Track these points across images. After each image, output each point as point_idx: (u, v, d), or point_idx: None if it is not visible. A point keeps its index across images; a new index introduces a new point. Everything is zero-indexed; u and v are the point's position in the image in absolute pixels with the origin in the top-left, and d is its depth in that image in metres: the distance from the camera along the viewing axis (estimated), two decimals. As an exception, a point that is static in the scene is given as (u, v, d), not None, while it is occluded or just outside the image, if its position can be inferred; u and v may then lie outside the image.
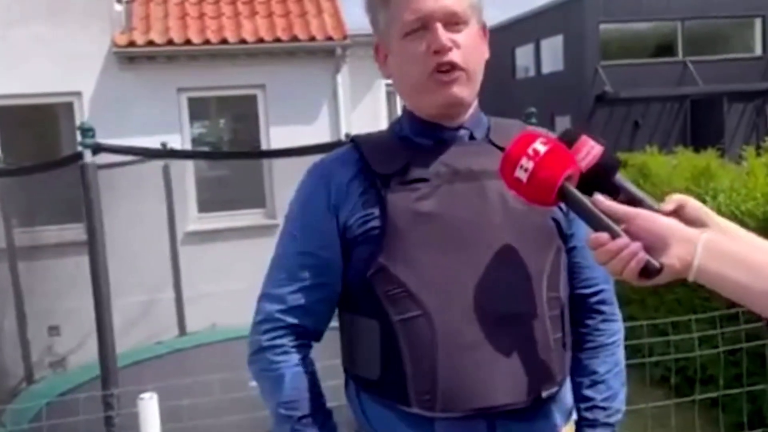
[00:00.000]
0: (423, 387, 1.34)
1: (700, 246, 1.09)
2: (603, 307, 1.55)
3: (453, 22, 1.38)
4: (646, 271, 1.12)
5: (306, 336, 1.46)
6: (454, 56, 1.37)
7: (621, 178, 1.25)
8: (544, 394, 1.38)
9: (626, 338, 1.62)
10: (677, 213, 1.16)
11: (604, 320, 1.55)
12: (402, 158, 1.41)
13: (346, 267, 1.43)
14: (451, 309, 1.34)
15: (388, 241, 1.37)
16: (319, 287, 1.44)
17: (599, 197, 1.18)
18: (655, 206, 1.19)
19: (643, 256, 1.11)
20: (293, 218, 1.48)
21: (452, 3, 1.38)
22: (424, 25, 1.37)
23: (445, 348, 1.33)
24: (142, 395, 3.02)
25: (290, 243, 1.47)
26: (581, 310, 1.53)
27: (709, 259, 1.08)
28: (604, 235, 1.13)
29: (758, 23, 22.66)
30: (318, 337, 1.49)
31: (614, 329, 1.57)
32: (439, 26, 1.36)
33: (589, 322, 1.54)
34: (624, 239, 1.12)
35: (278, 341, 1.43)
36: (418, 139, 1.45)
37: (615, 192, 1.22)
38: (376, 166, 1.41)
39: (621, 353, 1.57)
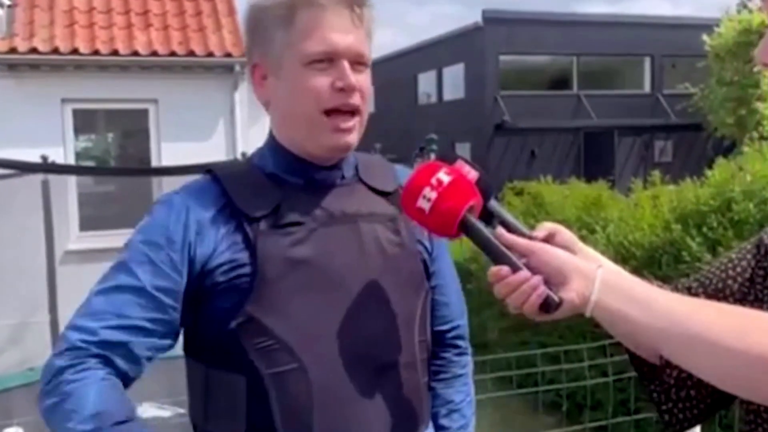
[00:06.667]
0: None
1: (598, 281, 1.08)
2: (458, 342, 1.56)
3: (358, 62, 1.31)
4: (546, 305, 1.10)
5: (115, 371, 1.22)
6: (356, 99, 1.30)
7: (495, 204, 1.24)
8: None
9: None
10: (548, 240, 1.17)
11: (458, 353, 1.56)
12: (272, 198, 1.30)
13: (199, 316, 1.28)
14: (327, 361, 1.27)
15: (258, 289, 1.25)
16: (143, 331, 1.23)
17: (501, 230, 1.16)
18: (527, 233, 1.18)
19: (543, 290, 1.10)
20: (135, 248, 1.27)
21: (359, 43, 1.31)
22: (330, 58, 1.28)
23: (321, 402, 1.26)
24: (6, 429, 2.90)
25: (123, 275, 1.25)
26: (438, 344, 1.52)
27: (605, 294, 1.08)
28: (504, 269, 1.12)
29: (647, 62, 23.91)
30: (125, 383, 1.24)
31: (466, 361, 1.59)
32: (346, 64, 1.28)
33: (445, 355, 1.55)
34: (525, 273, 1.10)
35: (79, 360, 1.19)
36: (287, 177, 1.34)
37: (489, 218, 1.22)
38: (243, 207, 1.28)
39: (471, 383, 1.60)
